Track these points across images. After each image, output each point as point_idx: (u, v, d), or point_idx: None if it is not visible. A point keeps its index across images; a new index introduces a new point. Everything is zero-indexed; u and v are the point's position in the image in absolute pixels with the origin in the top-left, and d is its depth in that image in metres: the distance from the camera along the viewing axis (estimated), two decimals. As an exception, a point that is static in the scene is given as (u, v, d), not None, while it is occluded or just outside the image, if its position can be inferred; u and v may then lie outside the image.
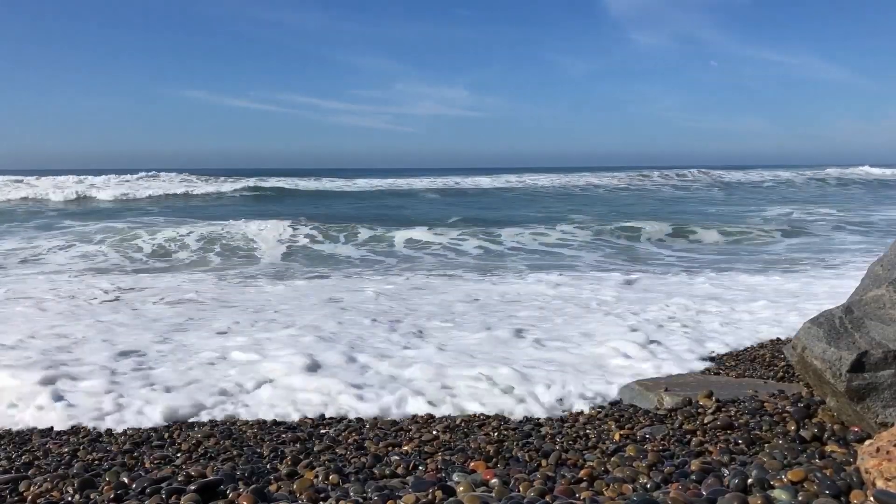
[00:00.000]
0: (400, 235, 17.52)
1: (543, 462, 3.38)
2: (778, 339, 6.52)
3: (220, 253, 15.68)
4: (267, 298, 9.47)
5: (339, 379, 5.41)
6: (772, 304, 8.40)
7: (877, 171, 55.97)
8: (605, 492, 2.65)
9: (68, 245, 16.30)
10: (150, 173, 42.24)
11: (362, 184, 45.04)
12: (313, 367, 5.78)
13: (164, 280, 11.63)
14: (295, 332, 7.22)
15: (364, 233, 18.04)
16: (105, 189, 35.66)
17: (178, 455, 3.95)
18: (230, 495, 2.73)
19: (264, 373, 5.65)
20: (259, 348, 6.44)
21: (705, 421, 3.81)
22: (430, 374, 5.47)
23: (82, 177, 39.80)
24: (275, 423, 4.68)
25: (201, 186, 38.88)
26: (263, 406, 5.01)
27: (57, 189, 34.53)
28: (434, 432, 4.20)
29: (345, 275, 12.14)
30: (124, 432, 4.57)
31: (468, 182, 46.72)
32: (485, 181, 46.57)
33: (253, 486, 2.80)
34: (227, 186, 39.25)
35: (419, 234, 17.57)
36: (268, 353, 6.25)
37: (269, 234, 17.29)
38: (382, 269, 12.94)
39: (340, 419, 4.73)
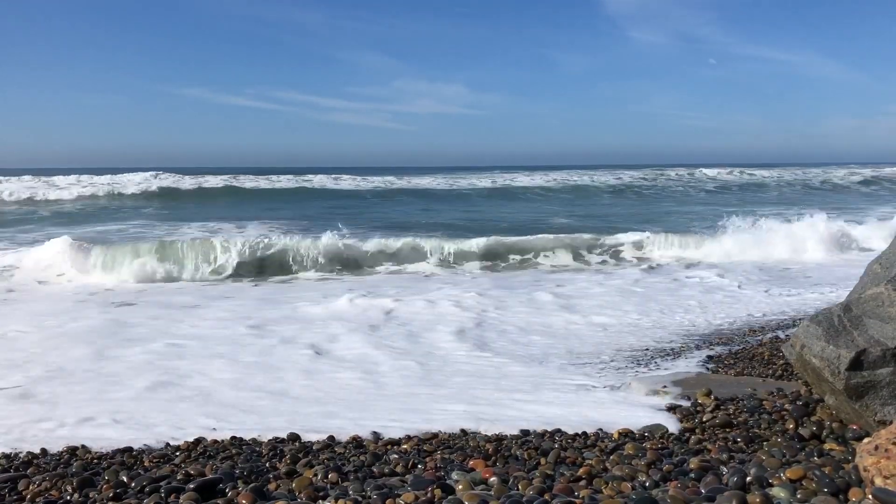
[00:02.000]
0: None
1: (542, 460, 3.38)
2: (776, 338, 6.52)
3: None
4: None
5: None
6: None
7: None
8: (604, 490, 2.65)
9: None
10: (159, 173, 40.56)
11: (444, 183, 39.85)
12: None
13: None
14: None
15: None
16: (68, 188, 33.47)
17: (177, 454, 3.95)
18: (229, 494, 2.73)
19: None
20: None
21: (704, 419, 3.81)
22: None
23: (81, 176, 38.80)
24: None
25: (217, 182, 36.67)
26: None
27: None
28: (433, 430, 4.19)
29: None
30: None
31: (510, 180, 44.51)
32: (527, 180, 44.62)
33: (252, 485, 2.80)
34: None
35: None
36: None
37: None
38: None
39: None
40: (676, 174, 46.14)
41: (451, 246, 13.47)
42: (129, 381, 5.40)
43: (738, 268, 11.77)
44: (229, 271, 12.07)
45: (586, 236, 14.93)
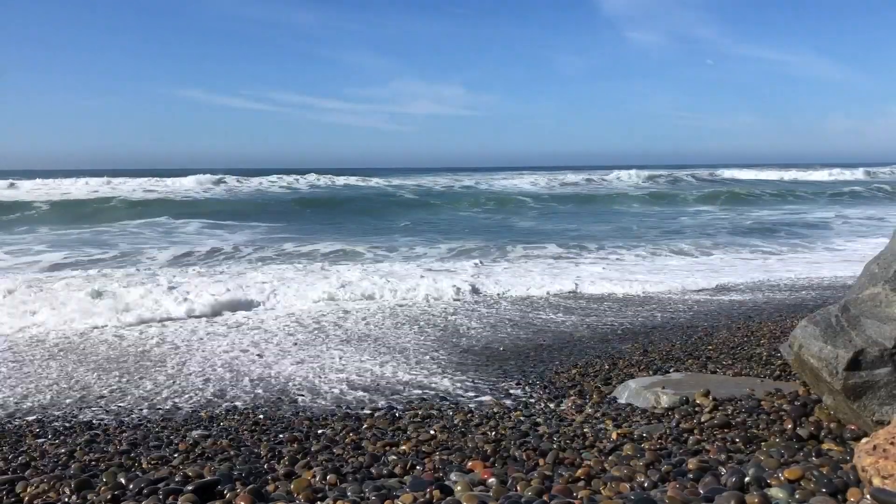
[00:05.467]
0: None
1: (541, 461, 3.38)
2: (775, 338, 6.53)
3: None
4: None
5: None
6: None
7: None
8: (602, 491, 2.65)
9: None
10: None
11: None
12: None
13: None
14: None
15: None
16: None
17: (176, 455, 3.95)
18: (227, 495, 2.73)
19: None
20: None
21: (703, 419, 3.81)
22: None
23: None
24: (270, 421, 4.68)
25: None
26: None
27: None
28: (431, 432, 4.20)
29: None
30: (122, 430, 4.57)
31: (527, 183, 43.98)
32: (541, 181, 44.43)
33: (251, 486, 2.80)
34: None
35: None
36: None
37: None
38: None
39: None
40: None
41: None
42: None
43: None
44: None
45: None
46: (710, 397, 4.18)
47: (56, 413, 5.18)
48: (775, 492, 2.38)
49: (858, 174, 58.74)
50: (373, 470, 3.33)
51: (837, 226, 22.88)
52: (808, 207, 31.34)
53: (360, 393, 5.57)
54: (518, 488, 2.69)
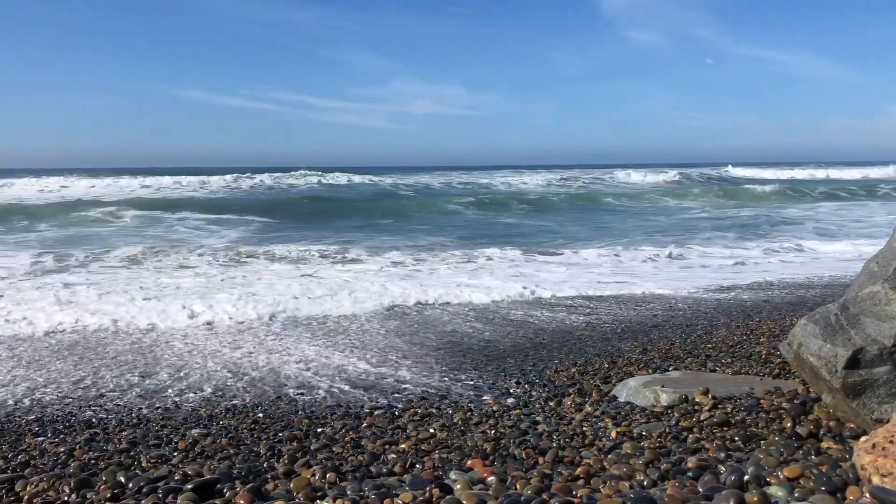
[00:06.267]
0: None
1: (541, 459, 3.39)
2: (774, 337, 6.53)
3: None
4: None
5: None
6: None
7: None
8: (602, 489, 2.65)
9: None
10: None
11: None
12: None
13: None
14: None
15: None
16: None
17: (175, 454, 3.95)
18: (227, 494, 2.73)
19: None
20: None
21: (702, 418, 3.81)
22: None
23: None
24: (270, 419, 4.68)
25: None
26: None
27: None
28: (431, 430, 4.20)
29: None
30: (121, 429, 4.57)
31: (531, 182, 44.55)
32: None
33: (250, 485, 2.80)
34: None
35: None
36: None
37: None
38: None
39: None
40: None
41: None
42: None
43: None
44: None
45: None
46: (710, 396, 4.18)
47: (56, 411, 5.18)
48: (774, 490, 2.38)
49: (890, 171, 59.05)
50: (372, 468, 3.33)
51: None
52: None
53: (360, 391, 5.57)
54: (517, 487, 2.69)
